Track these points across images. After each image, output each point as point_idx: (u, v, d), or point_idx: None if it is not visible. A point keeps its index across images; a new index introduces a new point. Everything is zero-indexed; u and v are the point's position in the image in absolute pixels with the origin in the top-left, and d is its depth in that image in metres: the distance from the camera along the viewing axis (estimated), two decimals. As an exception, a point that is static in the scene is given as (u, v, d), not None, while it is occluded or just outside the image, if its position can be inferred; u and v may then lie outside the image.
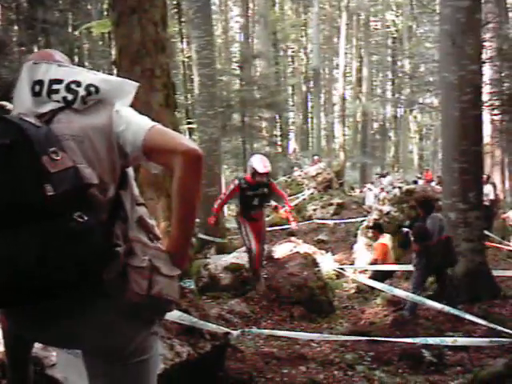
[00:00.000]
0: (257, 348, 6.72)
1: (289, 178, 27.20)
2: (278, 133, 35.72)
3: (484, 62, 12.11)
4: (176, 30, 25.69)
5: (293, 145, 41.32)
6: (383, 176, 26.77)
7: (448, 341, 6.21)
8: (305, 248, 12.04)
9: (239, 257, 10.28)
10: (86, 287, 1.90)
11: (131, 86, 2.32)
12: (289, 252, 11.13)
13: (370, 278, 10.70)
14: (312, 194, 22.48)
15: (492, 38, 17.91)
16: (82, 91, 2.17)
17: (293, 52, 48.85)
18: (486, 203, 14.56)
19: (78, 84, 2.19)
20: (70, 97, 2.16)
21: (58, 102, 2.16)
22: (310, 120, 46.31)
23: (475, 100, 9.59)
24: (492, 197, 18.42)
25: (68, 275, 1.84)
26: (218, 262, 10.21)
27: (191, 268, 7.69)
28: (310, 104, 46.08)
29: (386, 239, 11.92)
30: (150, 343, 2.25)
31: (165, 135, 2.19)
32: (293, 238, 13.95)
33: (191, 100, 24.27)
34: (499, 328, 6.28)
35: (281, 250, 11.64)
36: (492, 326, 6.42)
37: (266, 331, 6.97)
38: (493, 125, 19.78)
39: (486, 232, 12.35)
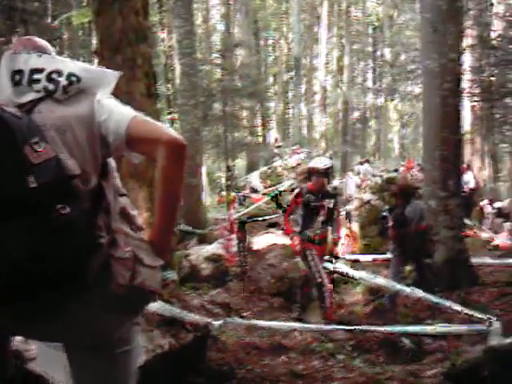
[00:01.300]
0: (238, 338, 6.75)
1: (269, 168, 27.19)
2: (259, 122, 35.65)
3: (464, 50, 12.17)
4: (157, 20, 25.49)
5: (274, 134, 41.26)
6: (361, 164, 26.90)
7: (427, 329, 6.29)
8: (284, 239, 12.07)
9: (220, 247, 10.31)
10: (68, 279, 1.89)
11: (112, 76, 2.31)
12: (268, 243, 11.16)
13: None
14: (292, 184, 22.48)
15: (473, 26, 17.99)
16: (63, 81, 2.15)
17: (274, 41, 48.70)
18: (466, 191, 14.69)
19: (59, 73, 2.16)
20: (51, 86, 2.14)
21: (38, 91, 2.13)
22: (291, 109, 46.29)
23: (456, 88, 9.67)
24: (472, 185, 18.59)
25: (53, 268, 1.83)
26: (198, 253, 10.23)
27: (172, 259, 7.70)
28: (290, 93, 46.01)
29: (354, 227, 12.00)
30: (133, 334, 2.26)
31: (147, 125, 2.19)
32: (272, 230, 13.98)
33: (172, 90, 24.14)
34: (477, 315, 6.36)
35: (260, 242, 11.67)
36: (470, 313, 6.50)
37: (247, 322, 7.02)
38: (473, 113, 19.91)
39: (466, 220, 12.45)
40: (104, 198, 2.10)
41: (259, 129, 33.43)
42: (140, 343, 2.39)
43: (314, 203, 7.79)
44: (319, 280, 7.62)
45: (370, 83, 51.03)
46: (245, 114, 24.86)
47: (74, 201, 1.88)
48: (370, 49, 50.05)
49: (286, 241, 11.68)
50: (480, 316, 6.26)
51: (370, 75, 52.88)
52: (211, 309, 7.72)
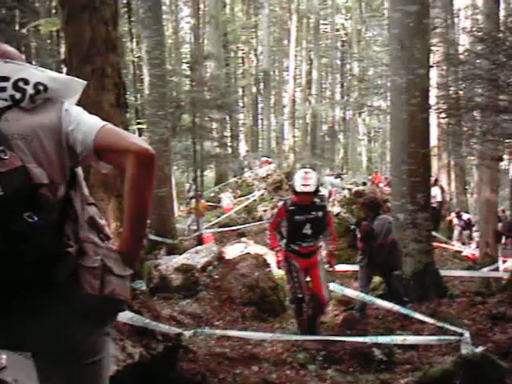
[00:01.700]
0: (209, 348, 6.70)
1: (239, 179, 27.25)
2: (229, 134, 35.67)
3: (431, 66, 12.34)
4: (126, 30, 25.44)
5: (243, 146, 41.36)
6: (339, 176, 27.17)
7: (398, 339, 6.31)
8: (256, 249, 12.06)
9: (190, 257, 10.24)
10: (36, 288, 1.88)
11: (79, 84, 2.29)
12: (240, 253, 11.13)
13: None
14: (262, 195, 22.57)
15: (439, 43, 18.27)
16: (30, 89, 2.11)
17: (243, 54, 48.90)
18: (434, 205, 14.87)
19: (26, 82, 2.12)
20: (17, 95, 2.10)
21: (5, 100, 2.10)
22: (260, 121, 46.45)
23: (423, 103, 9.77)
24: (439, 199, 18.84)
25: (18, 276, 1.82)
26: (168, 263, 10.16)
27: (142, 269, 7.63)
28: (260, 105, 46.20)
29: None
30: (102, 344, 2.22)
31: (116, 134, 2.16)
32: (244, 239, 13.96)
33: (141, 100, 24.07)
34: (447, 326, 6.40)
35: (232, 251, 11.64)
36: (440, 324, 6.54)
37: (218, 331, 6.97)
38: (440, 128, 20.17)
39: (434, 233, 12.58)
40: (72, 207, 2.08)
41: (228, 140, 33.40)
42: (110, 353, 2.34)
43: (299, 216, 7.20)
44: (299, 296, 7.24)
45: (338, 97, 51.50)
46: (214, 125, 24.83)
47: (42, 210, 1.87)
48: (338, 63, 50.57)
49: (258, 250, 11.69)
50: (450, 327, 6.31)
51: (338, 89, 53.41)
52: (182, 319, 7.67)
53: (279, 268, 7.68)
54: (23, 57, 2.40)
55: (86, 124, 2.14)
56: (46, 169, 1.99)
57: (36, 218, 1.82)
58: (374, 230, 8.50)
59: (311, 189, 7.04)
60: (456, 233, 19.32)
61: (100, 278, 2.06)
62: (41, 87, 2.13)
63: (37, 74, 2.17)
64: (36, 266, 1.84)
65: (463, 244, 18.40)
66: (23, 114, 2.08)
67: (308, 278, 7.40)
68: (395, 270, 8.84)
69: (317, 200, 7.28)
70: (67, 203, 2.06)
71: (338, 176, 27.76)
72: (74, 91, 2.25)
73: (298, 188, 7.08)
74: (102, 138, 2.11)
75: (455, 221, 19.47)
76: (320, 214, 7.24)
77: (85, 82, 2.31)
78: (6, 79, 2.11)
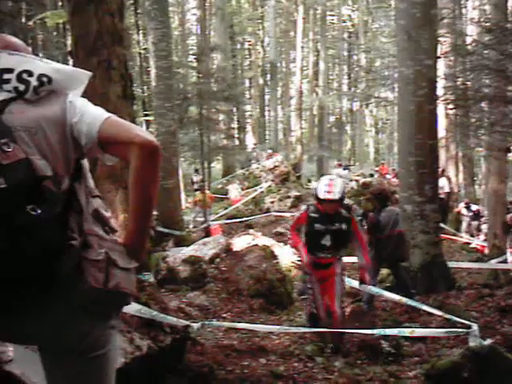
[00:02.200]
0: (217, 341, 6.71)
1: (246, 170, 27.27)
2: (236, 126, 35.69)
3: (439, 57, 12.29)
4: (132, 22, 25.38)
5: (250, 138, 41.35)
6: (347, 168, 27.17)
7: (406, 332, 6.30)
8: (263, 240, 12.06)
9: (197, 249, 10.25)
10: (39, 283, 1.87)
11: (84, 76, 2.26)
12: (247, 244, 11.13)
13: None
14: (269, 186, 22.58)
15: (447, 34, 18.19)
16: (34, 81, 2.08)
17: (250, 45, 48.81)
18: (441, 196, 14.82)
19: (30, 73, 2.09)
20: (21, 87, 2.08)
21: (9, 92, 2.07)
22: (267, 113, 46.40)
23: (430, 94, 9.73)
24: (447, 189, 18.78)
25: (21, 273, 1.81)
26: (176, 255, 10.17)
27: (150, 261, 7.63)
28: (266, 97, 46.14)
29: None
30: (108, 337, 2.20)
31: (120, 126, 2.14)
32: (251, 231, 13.98)
33: (148, 92, 24.05)
34: (455, 319, 6.38)
35: (239, 243, 11.64)
36: (448, 316, 6.53)
37: (226, 324, 6.99)
38: (447, 119, 20.11)
39: (441, 224, 12.55)
40: (76, 199, 2.06)
41: (235, 132, 33.41)
42: (117, 346, 2.33)
43: (319, 225, 6.68)
44: (313, 310, 6.87)
45: (345, 88, 51.38)
46: (221, 117, 24.84)
47: (45, 202, 1.85)
48: (345, 54, 50.43)
49: (265, 242, 11.68)
50: (458, 319, 6.29)
51: (345, 80, 53.29)
52: (190, 311, 7.67)
53: (305, 273, 7.19)
54: (29, 49, 2.37)
55: (91, 115, 2.13)
56: (50, 161, 1.97)
57: (39, 211, 1.81)
58: (381, 222, 8.49)
59: (335, 196, 6.48)
60: (464, 224, 19.24)
61: (104, 271, 2.04)
62: (45, 79, 2.11)
63: (41, 65, 2.15)
64: (39, 260, 1.83)
65: (471, 236, 18.35)
66: (27, 106, 2.06)
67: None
68: (402, 261, 8.83)
69: (343, 211, 6.68)
70: (71, 196, 2.04)
71: (346, 168, 27.77)
72: (79, 83, 2.22)
73: (321, 195, 6.52)
74: (106, 130, 2.10)
75: (464, 212, 19.37)
76: (344, 226, 6.62)
77: (90, 73, 2.28)
78: (10, 71, 2.10)
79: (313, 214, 6.70)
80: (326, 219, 6.62)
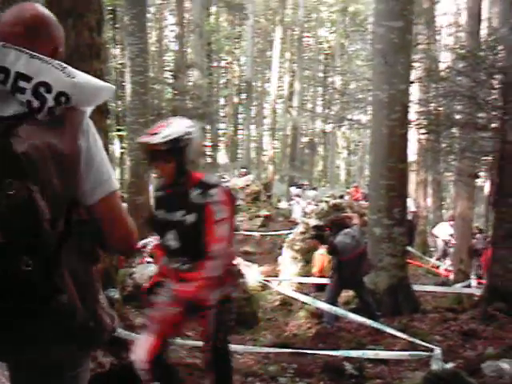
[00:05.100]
0: (180, 359, 6.68)
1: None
2: (209, 143, 35.69)
3: (413, 82, 12.48)
4: (110, 36, 25.38)
5: (223, 156, 41.38)
6: (300, 187, 27.46)
7: (369, 354, 6.35)
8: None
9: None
10: (24, 319, 1.78)
11: (109, 92, 2.08)
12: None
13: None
14: (239, 205, 22.58)
15: (421, 59, 18.46)
16: (50, 101, 1.83)
17: (227, 63, 48.98)
18: (409, 216, 14.96)
19: (48, 89, 1.83)
20: (35, 103, 1.83)
21: (21, 104, 1.83)
22: (240, 132, 46.52)
23: (403, 119, 9.88)
24: (413, 209, 18.94)
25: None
26: (143, 271, 10.09)
27: (116, 277, 7.57)
28: (240, 116, 46.27)
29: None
30: (84, 359, 2.15)
31: (121, 212, 2.01)
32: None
33: (122, 107, 23.99)
34: (418, 342, 6.46)
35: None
36: (411, 339, 6.59)
37: (190, 342, 6.95)
38: (419, 144, 20.35)
39: (409, 248, 12.68)
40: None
41: (208, 150, 33.42)
42: (89, 366, 2.28)
43: (160, 211, 4.07)
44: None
45: (319, 109, 51.71)
46: (194, 134, 24.86)
47: (39, 251, 1.68)
48: (320, 76, 50.83)
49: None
50: (421, 342, 6.37)
51: (319, 102, 53.68)
52: (154, 328, 7.61)
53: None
54: (61, 28, 2.11)
55: (99, 171, 1.94)
56: (49, 200, 1.73)
57: (31, 263, 1.65)
58: (338, 246, 8.58)
59: (159, 139, 3.80)
60: (440, 246, 19.06)
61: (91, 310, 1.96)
62: (63, 98, 1.87)
63: (62, 79, 1.88)
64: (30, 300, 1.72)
65: (438, 259, 18.50)
66: (37, 128, 1.80)
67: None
68: (364, 275, 8.90)
69: (195, 191, 3.87)
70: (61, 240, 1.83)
71: (299, 187, 28.12)
72: (100, 99, 2.05)
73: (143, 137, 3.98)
74: (106, 206, 1.96)
75: (441, 234, 19.26)
76: (191, 217, 3.83)
77: (114, 88, 2.10)
78: (27, 79, 1.84)
79: (157, 193, 4.22)
80: (169, 202, 4.01)
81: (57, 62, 1.93)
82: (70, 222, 1.89)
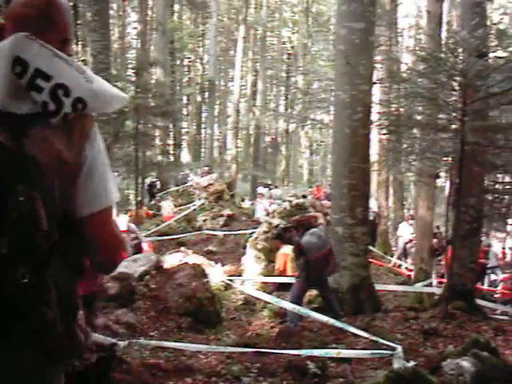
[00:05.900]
0: (143, 359, 6.63)
1: (180, 187, 27.13)
2: (171, 142, 35.51)
3: (375, 83, 12.58)
4: (72, 32, 25.05)
5: (186, 155, 41.25)
6: (267, 186, 27.59)
7: (332, 353, 6.39)
8: (194, 259, 12.01)
9: (127, 265, 10.12)
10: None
11: (122, 102, 1.96)
12: (178, 262, 11.06)
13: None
14: (203, 204, 22.52)
15: (383, 60, 18.62)
16: (67, 106, 1.74)
17: (189, 62, 48.82)
18: (371, 216, 15.10)
19: (66, 92, 1.74)
20: (51, 106, 1.72)
21: (34, 102, 1.72)
22: (203, 130, 46.42)
23: (365, 119, 9.97)
24: (375, 209, 19.14)
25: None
26: (105, 271, 10.01)
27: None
28: (204, 114, 46.18)
29: (287, 249, 11.97)
30: (57, 373, 2.11)
31: (113, 227, 1.91)
32: (182, 249, 13.90)
33: (84, 104, 23.70)
34: (380, 340, 6.51)
35: (170, 260, 11.56)
36: (373, 338, 6.65)
37: (153, 342, 6.92)
38: (380, 144, 20.53)
39: (370, 247, 12.79)
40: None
41: (171, 148, 33.25)
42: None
43: None
44: None
45: (282, 109, 51.88)
46: (157, 132, 24.68)
47: (30, 263, 1.63)
48: (283, 75, 51.01)
49: (196, 260, 11.64)
50: (383, 341, 6.42)
51: (282, 101, 53.87)
52: (117, 329, 7.56)
53: None
54: (72, 17, 2.02)
55: (98, 184, 1.83)
56: (48, 210, 1.66)
57: (28, 276, 1.61)
58: (304, 246, 8.58)
59: None
60: (400, 245, 19.37)
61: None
62: (80, 105, 1.78)
63: (81, 83, 1.79)
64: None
65: (399, 258, 18.71)
66: (49, 133, 1.72)
67: None
68: (332, 274, 8.92)
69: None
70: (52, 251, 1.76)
71: (266, 186, 28.27)
72: (109, 109, 1.94)
73: None
74: (99, 220, 1.84)
75: (401, 232, 19.55)
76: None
77: (127, 98, 2.00)
78: (47, 78, 1.73)
79: None
80: None
81: (78, 63, 1.85)
82: (60, 234, 1.78)
